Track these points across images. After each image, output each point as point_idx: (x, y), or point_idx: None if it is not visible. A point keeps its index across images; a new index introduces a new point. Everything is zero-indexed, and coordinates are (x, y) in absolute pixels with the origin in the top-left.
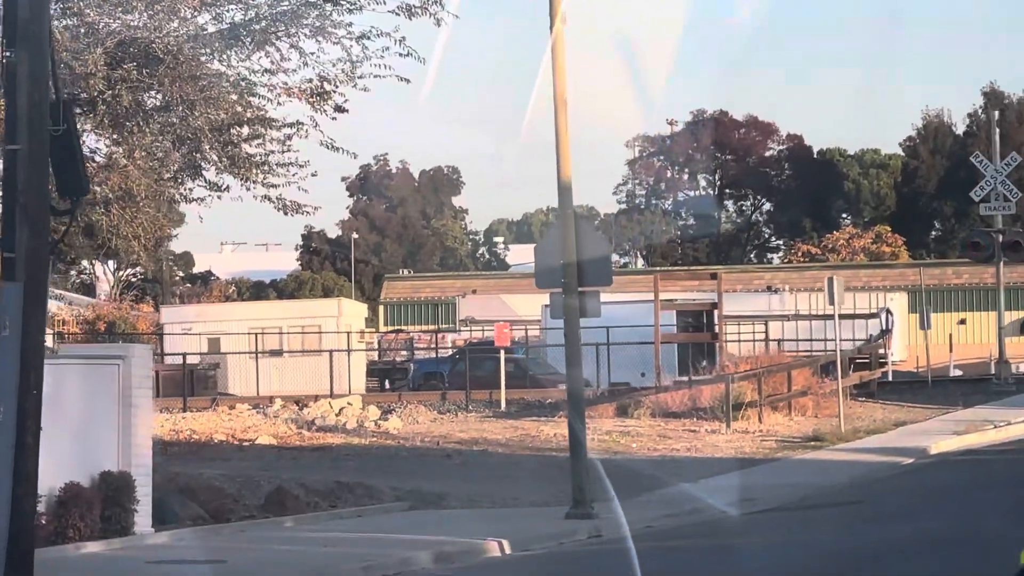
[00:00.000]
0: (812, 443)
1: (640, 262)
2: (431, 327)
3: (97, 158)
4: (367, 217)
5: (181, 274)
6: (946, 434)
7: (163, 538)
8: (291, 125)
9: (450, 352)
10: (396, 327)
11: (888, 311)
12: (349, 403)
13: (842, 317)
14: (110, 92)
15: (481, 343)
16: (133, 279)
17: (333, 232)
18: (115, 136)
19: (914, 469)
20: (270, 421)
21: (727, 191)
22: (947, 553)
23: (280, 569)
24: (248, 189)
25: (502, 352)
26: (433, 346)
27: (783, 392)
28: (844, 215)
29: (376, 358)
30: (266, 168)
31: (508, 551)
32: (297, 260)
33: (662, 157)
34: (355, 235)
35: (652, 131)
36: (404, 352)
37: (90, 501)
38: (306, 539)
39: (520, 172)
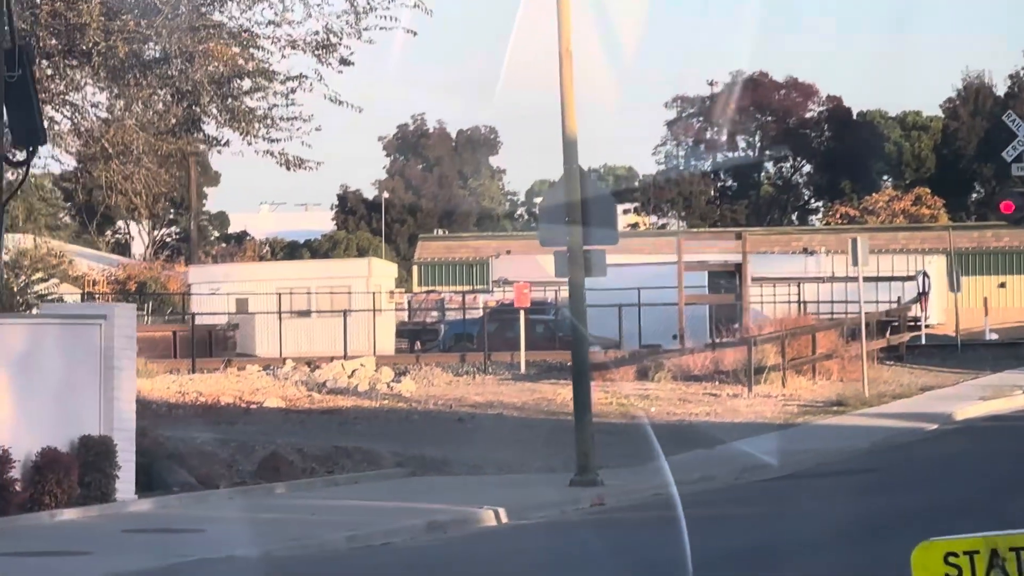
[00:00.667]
0: (835, 408)
1: (682, 223)
2: (465, 288)
3: (98, 112)
4: (403, 177)
5: (216, 234)
6: (972, 399)
7: (146, 505)
8: (294, 78)
9: (481, 313)
10: (429, 288)
11: (925, 274)
12: (362, 364)
13: (876, 279)
14: (104, 43)
15: (512, 304)
16: (168, 239)
17: (369, 192)
18: (114, 89)
19: (937, 435)
20: (279, 383)
21: (766, 153)
22: (950, 524)
23: (260, 539)
24: (249, 144)
25: (522, 313)
26: (465, 307)
27: (807, 355)
28: (884, 177)
29: (407, 319)
30: (268, 122)
31: (504, 520)
32: (332, 220)
33: (701, 118)
34: (386, 195)
35: (691, 91)
36: (435, 313)
37: (68, 466)
38: (295, 507)
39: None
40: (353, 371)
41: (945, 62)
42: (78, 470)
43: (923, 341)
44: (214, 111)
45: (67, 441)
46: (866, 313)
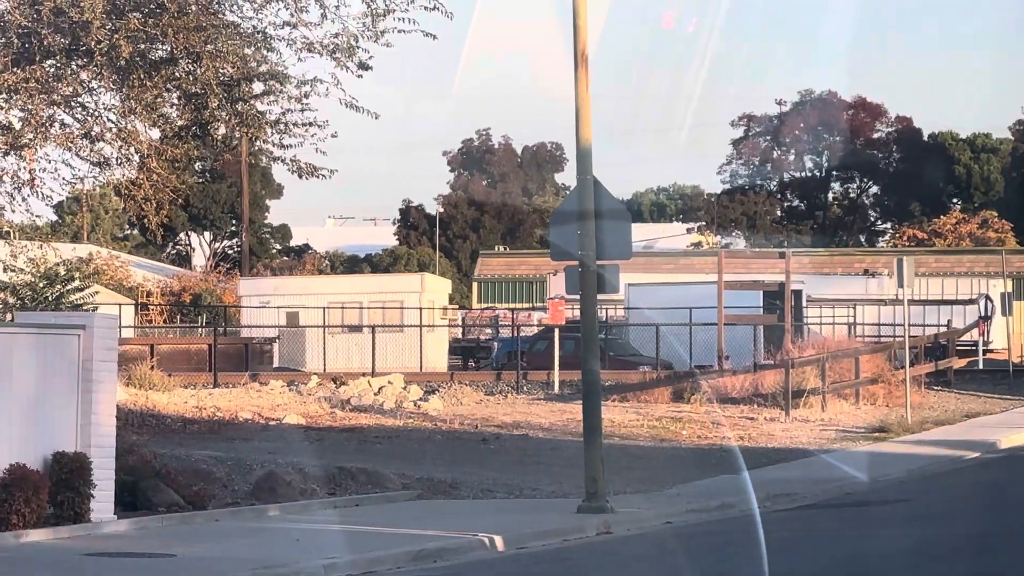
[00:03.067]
0: (875, 434)
1: (742, 243)
2: (525, 305)
3: (109, 116)
4: (467, 193)
5: (278, 246)
6: (1018, 427)
7: (123, 526)
8: (308, 81)
9: (535, 330)
10: (487, 304)
11: (988, 297)
12: (390, 382)
13: (939, 303)
14: (107, 42)
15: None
16: (229, 251)
17: (432, 207)
18: (123, 90)
19: (977, 464)
20: (302, 399)
21: (834, 173)
22: (965, 564)
23: (233, 565)
24: (259, 149)
25: (556, 330)
26: (518, 324)
27: (851, 379)
28: (954, 199)
29: (460, 336)
30: (281, 128)
31: (501, 548)
32: (395, 235)
33: (768, 137)
34: (440, 209)
35: (759, 110)
36: (489, 330)
37: (37, 484)
38: (282, 531)
39: (630, 150)
40: (380, 388)
41: (1016, 83)
42: (49, 488)
43: (980, 366)
44: (223, 115)
45: (39, 457)
46: (914, 337)
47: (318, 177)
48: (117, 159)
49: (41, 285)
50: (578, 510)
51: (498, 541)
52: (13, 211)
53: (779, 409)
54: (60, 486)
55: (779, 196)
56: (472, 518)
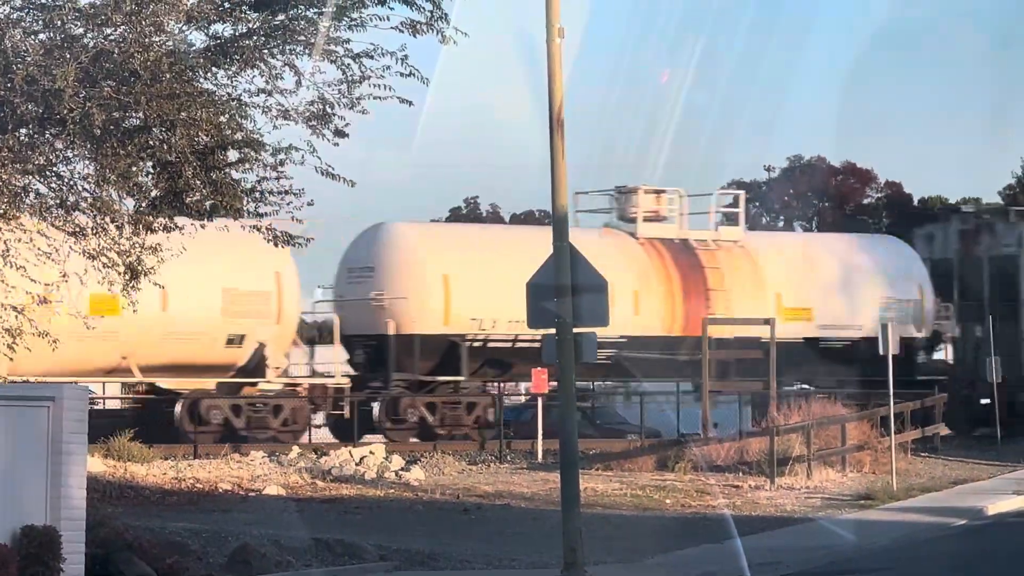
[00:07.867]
0: (861, 501)
1: None
2: None
3: (85, 185)
4: None
5: None
6: (1006, 493)
7: None
8: (283, 150)
9: (523, 399)
10: None
11: None
12: (371, 451)
13: None
14: (79, 110)
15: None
16: None
17: None
18: (98, 159)
19: (963, 531)
20: (283, 470)
21: None
22: None
23: None
24: (235, 219)
25: (539, 400)
26: (505, 393)
27: (837, 446)
28: None
29: None
30: (256, 196)
31: None
32: None
33: (757, 204)
34: None
35: (747, 176)
36: None
37: (5, 559)
38: None
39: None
40: (362, 458)
41: (1006, 148)
42: (18, 562)
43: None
44: (198, 183)
45: (8, 532)
46: (900, 404)
47: (295, 245)
48: (93, 228)
49: None
50: None
51: None
52: None
53: (764, 477)
54: (29, 560)
55: None
56: None
